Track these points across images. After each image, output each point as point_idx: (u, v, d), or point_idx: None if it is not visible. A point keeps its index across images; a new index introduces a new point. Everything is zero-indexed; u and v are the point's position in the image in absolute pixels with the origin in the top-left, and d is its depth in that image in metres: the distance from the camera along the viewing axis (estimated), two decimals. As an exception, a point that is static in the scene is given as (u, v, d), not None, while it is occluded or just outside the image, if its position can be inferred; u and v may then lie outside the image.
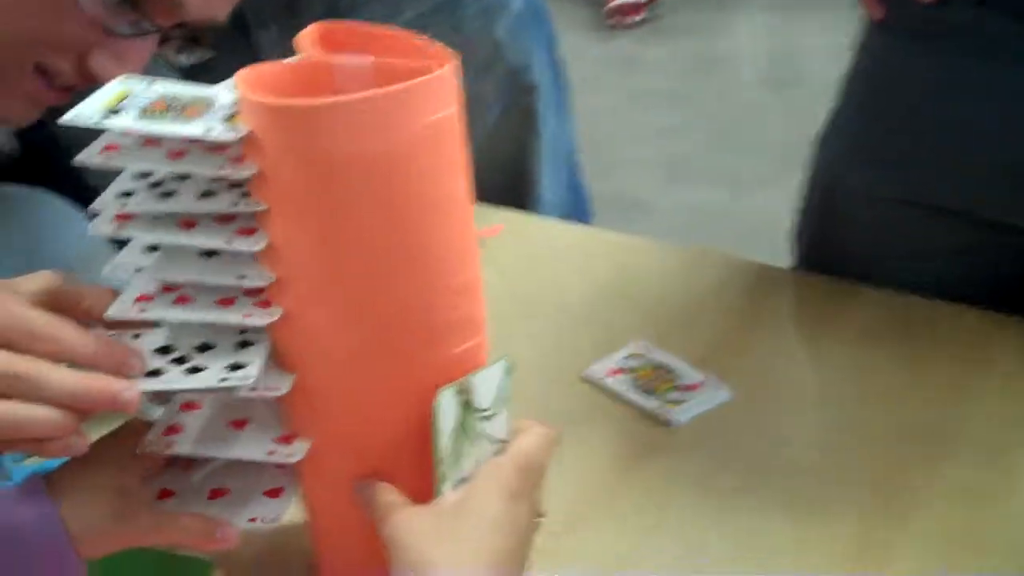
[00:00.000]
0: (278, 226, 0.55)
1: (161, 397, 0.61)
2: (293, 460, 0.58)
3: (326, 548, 0.64)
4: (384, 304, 0.56)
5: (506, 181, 1.15)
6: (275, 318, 0.56)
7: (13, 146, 1.03)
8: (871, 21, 0.91)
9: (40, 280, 0.57)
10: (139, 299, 0.57)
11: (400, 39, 0.57)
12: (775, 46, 2.92)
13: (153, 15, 0.72)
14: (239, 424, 0.59)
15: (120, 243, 0.60)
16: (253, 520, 0.59)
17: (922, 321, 0.88)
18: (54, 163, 0.89)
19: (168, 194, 0.56)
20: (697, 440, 0.79)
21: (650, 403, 0.81)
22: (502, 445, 0.59)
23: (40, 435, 0.54)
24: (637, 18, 3.03)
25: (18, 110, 0.79)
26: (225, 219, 0.56)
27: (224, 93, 0.56)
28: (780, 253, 1.03)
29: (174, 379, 0.56)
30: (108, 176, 0.58)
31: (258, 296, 0.57)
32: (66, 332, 0.55)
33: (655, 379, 0.83)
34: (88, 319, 0.57)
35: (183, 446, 0.58)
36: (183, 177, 0.57)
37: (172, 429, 0.59)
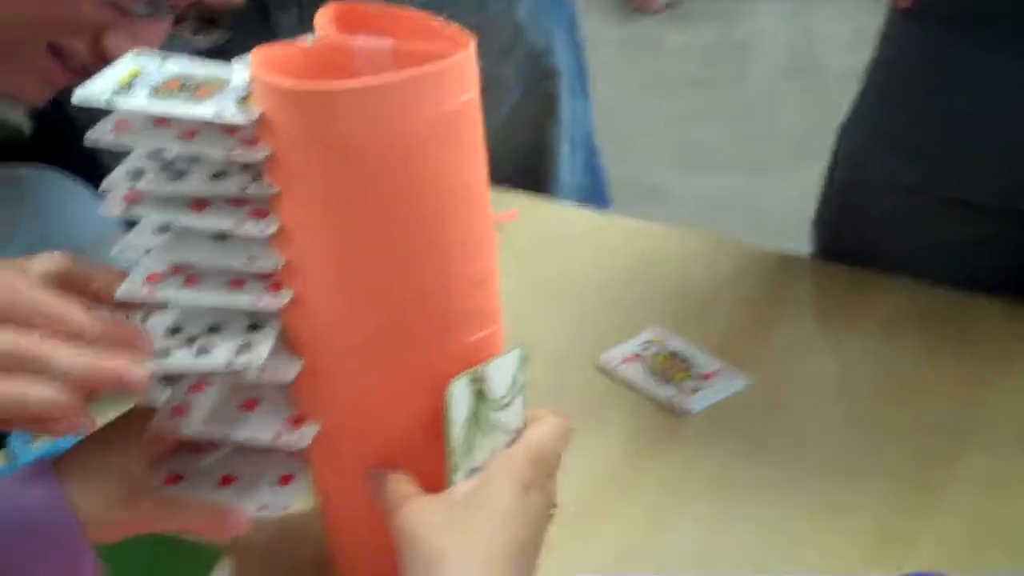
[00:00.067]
0: (290, 210, 0.55)
1: (169, 380, 0.60)
2: (301, 445, 0.58)
3: (338, 536, 0.64)
4: (397, 292, 0.55)
5: (524, 165, 1.14)
6: (284, 302, 0.56)
7: (28, 126, 1.03)
8: (896, 9, 0.90)
9: (49, 261, 0.57)
10: (149, 279, 0.57)
11: (417, 20, 0.56)
12: (796, 33, 2.90)
13: None
14: (249, 406, 0.59)
15: (132, 225, 0.60)
16: (264, 507, 0.59)
17: (944, 312, 0.87)
18: (69, 144, 0.89)
19: (180, 174, 0.56)
20: (712, 430, 0.78)
21: (665, 391, 0.80)
22: (516, 435, 0.58)
23: (46, 414, 0.53)
24: (658, 3, 3.02)
25: (32, 89, 0.79)
26: (237, 202, 0.56)
27: (239, 72, 0.55)
28: (799, 241, 1.02)
29: (182, 360, 0.56)
30: (122, 157, 0.58)
31: (269, 279, 0.56)
32: (74, 312, 0.55)
33: (671, 367, 0.82)
34: (97, 300, 0.57)
35: (192, 426, 0.58)
36: (195, 157, 0.56)
37: (181, 409, 0.58)
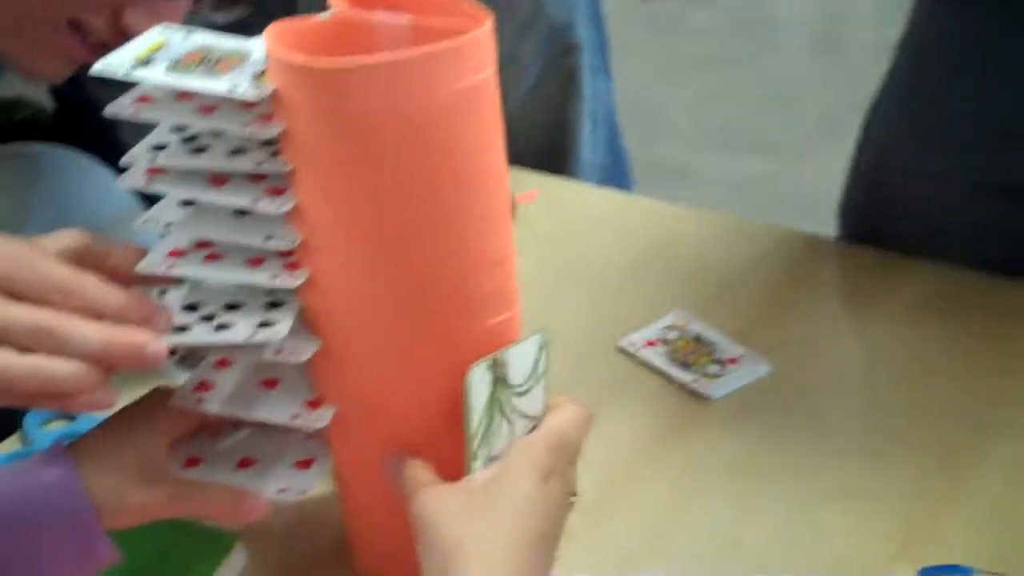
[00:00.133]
0: (307, 188, 0.54)
1: (187, 361, 0.60)
2: (318, 426, 0.57)
3: (356, 521, 0.63)
4: (414, 270, 0.54)
5: (544, 144, 1.13)
6: (301, 281, 0.55)
7: (51, 105, 1.03)
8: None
9: (66, 238, 0.57)
10: (170, 254, 0.57)
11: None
12: (822, 9, 2.86)
13: None
14: (269, 384, 0.59)
15: (149, 203, 0.60)
16: (282, 491, 0.59)
17: (971, 296, 0.86)
18: (88, 122, 0.89)
19: (200, 150, 0.56)
20: (735, 416, 0.77)
21: (687, 376, 0.79)
22: (536, 422, 0.57)
23: (65, 389, 0.53)
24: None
25: (52, 66, 0.80)
26: (256, 178, 0.55)
27: (260, 47, 0.55)
28: (825, 223, 1.01)
29: (202, 335, 0.55)
30: (141, 135, 0.58)
31: (287, 258, 0.56)
32: (91, 287, 0.55)
33: (693, 351, 0.81)
34: (114, 277, 0.56)
35: (212, 404, 0.58)
36: (216, 132, 0.56)
37: (203, 386, 0.58)
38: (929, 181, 0.90)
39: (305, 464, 0.60)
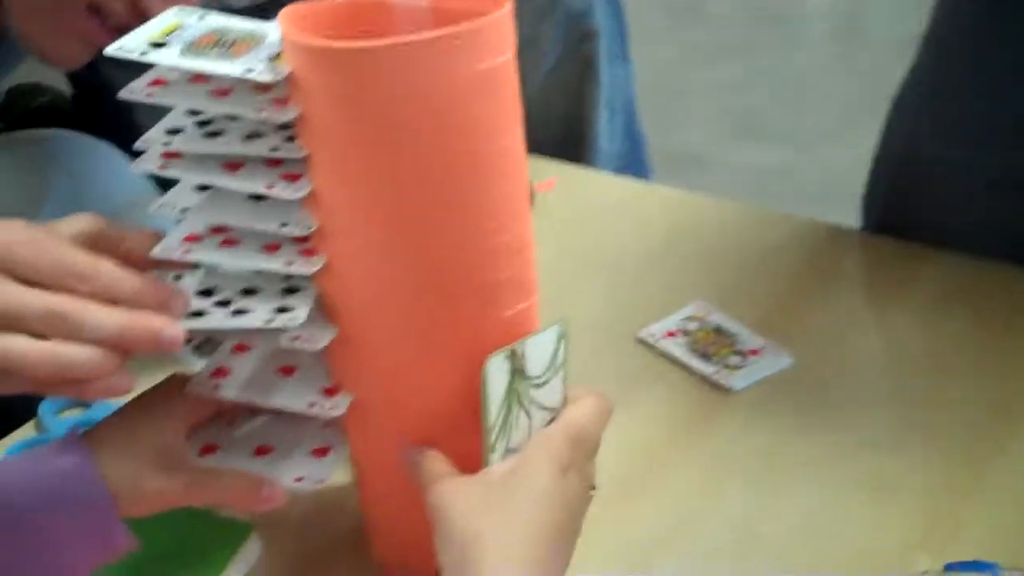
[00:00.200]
0: (323, 172, 0.54)
1: (203, 349, 0.60)
2: (335, 414, 0.57)
3: (373, 510, 0.63)
4: (432, 255, 0.54)
5: (561, 131, 1.12)
6: (317, 268, 0.55)
7: (70, 91, 1.03)
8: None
9: (80, 222, 0.56)
10: (186, 239, 0.56)
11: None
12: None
13: None
14: (287, 371, 0.58)
15: (164, 188, 0.59)
16: (299, 480, 0.58)
17: (996, 288, 0.85)
18: (104, 107, 0.88)
19: (216, 134, 0.55)
20: (756, 408, 0.76)
21: (707, 367, 0.78)
22: (555, 414, 0.56)
23: (82, 375, 0.53)
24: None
25: (71, 50, 0.80)
26: (272, 163, 0.55)
27: (276, 29, 0.54)
28: (843, 213, 0.99)
29: (219, 320, 0.55)
30: (157, 120, 0.57)
31: (303, 244, 0.55)
32: (106, 271, 0.54)
33: (713, 343, 0.80)
34: (128, 261, 0.56)
35: (229, 390, 0.57)
36: (231, 117, 0.55)
37: (220, 372, 0.58)
38: (951, 175, 0.89)
39: (322, 452, 0.60)
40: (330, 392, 0.58)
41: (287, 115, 0.53)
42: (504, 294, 0.55)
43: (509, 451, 0.55)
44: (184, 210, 0.57)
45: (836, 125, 2.29)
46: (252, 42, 0.54)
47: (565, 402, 0.57)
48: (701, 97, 2.51)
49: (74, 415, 0.75)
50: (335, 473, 0.59)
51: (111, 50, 0.54)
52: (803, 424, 0.75)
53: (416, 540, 0.57)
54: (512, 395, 0.55)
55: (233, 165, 0.55)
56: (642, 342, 0.81)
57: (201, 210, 0.56)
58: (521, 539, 0.51)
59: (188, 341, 0.56)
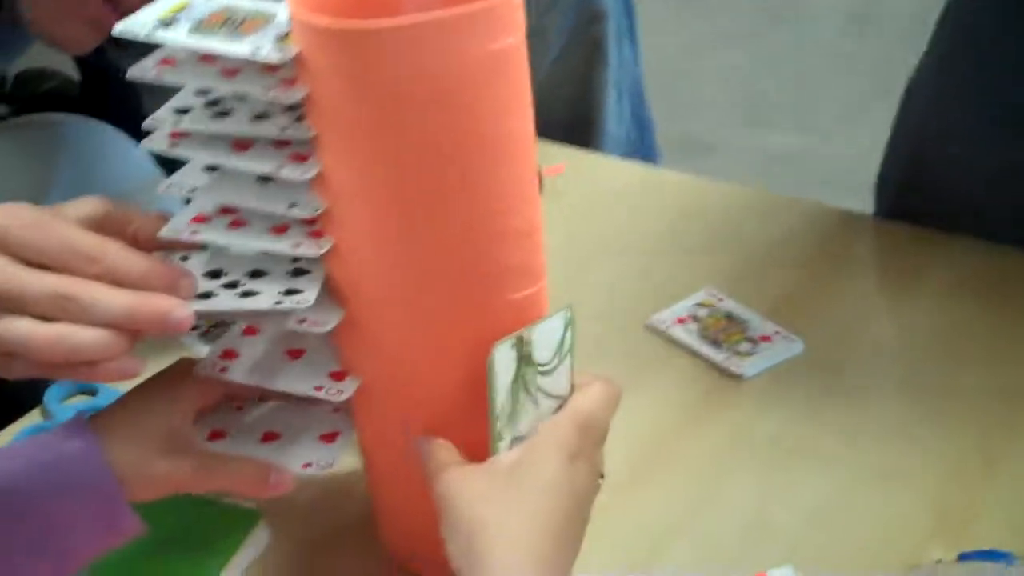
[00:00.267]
0: (331, 153, 0.53)
1: (210, 334, 0.59)
2: (342, 398, 0.57)
3: (380, 496, 0.63)
4: (438, 240, 0.53)
5: (570, 115, 1.12)
6: (324, 250, 0.54)
7: (77, 75, 1.03)
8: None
9: (87, 205, 0.56)
10: (194, 220, 0.56)
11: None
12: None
13: None
14: (295, 355, 0.58)
15: (171, 170, 0.59)
16: (307, 465, 0.58)
17: (1010, 274, 0.84)
18: (111, 90, 0.88)
19: (224, 114, 0.55)
20: (767, 395, 0.76)
21: (718, 354, 0.78)
22: (563, 401, 0.56)
23: (90, 357, 0.52)
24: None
25: (82, 35, 0.79)
26: (280, 144, 0.54)
27: (285, 9, 0.54)
28: (852, 199, 0.99)
29: (227, 301, 0.55)
30: (164, 103, 0.57)
31: (311, 226, 0.55)
32: (113, 253, 0.54)
33: (724, 329, 0.79)
34: (135, 243, 0.55)
35: (236, 372, 0.57)
36: (240, 96, 0.55)
37: (228, 354, 0.57)
38: (963, 161, 0.88)
39: (330, 438, 0.59)
40: (337, 376, 0.57)
41: (295, 95, 0.52)
42: (513, 278, 0.55)
43: (516, 439, 0.55)
44: (192, 190, 0.56)
45: (846, 111, 2.28)
46: (261, 21, 0.53)
47: (572, 389, 0.57)
48: (711, 82, 2.50)
49: (80, 402, 0.74)
50: (343, 458, 0.59)
51: (119, 29, 0.54)
52: (814, 411, 0.75)
53: (424, 526, 0.57)
54: (519, 382, 0.54)
55: (242, 145, 0.55)
56: (651, 329, 0.81)
57: (209, 190, 0.56)
58: (528, 528, 0.51)
59: (195, 327, 0.56)
